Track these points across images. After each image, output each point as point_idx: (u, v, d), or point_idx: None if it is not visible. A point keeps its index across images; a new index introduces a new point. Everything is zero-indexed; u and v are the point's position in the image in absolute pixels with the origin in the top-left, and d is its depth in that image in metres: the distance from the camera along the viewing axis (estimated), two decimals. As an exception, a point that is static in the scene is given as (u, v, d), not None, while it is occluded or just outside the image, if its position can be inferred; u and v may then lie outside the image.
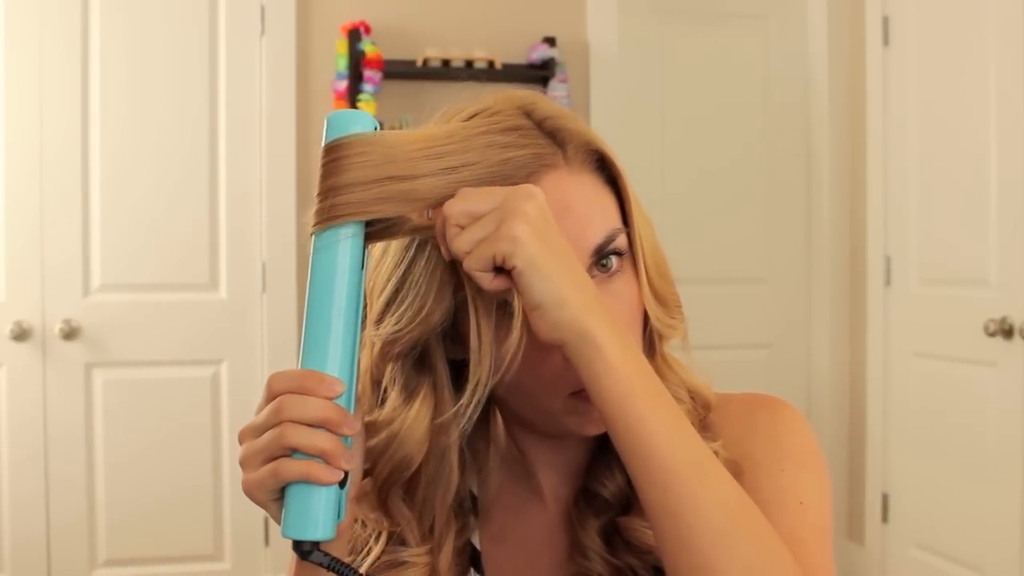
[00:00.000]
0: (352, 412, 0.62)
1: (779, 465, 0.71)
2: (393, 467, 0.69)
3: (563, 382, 0.67)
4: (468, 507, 0.77)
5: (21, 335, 2.71)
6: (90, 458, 2.78)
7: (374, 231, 0.62)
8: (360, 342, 0.63)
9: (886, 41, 3.01)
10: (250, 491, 0.61)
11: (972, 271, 2.64)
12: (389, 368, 0.69)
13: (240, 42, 2.88)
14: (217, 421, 2.87)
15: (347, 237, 0.61)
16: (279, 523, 0.60)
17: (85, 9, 2.77)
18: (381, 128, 0.63)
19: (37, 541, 2.74)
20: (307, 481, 0.58)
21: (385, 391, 0.70)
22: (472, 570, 0.78)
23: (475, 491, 0.79)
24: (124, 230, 2.80)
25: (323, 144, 0.62)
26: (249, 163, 2.88)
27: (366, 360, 0.71)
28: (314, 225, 0.61)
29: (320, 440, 0.58)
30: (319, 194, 0.61)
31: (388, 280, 0.68)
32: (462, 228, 0.60)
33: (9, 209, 2.74)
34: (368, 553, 0.75)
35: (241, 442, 0.62)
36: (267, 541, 2.90)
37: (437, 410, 0.69)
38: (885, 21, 3.01)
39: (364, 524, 0.76)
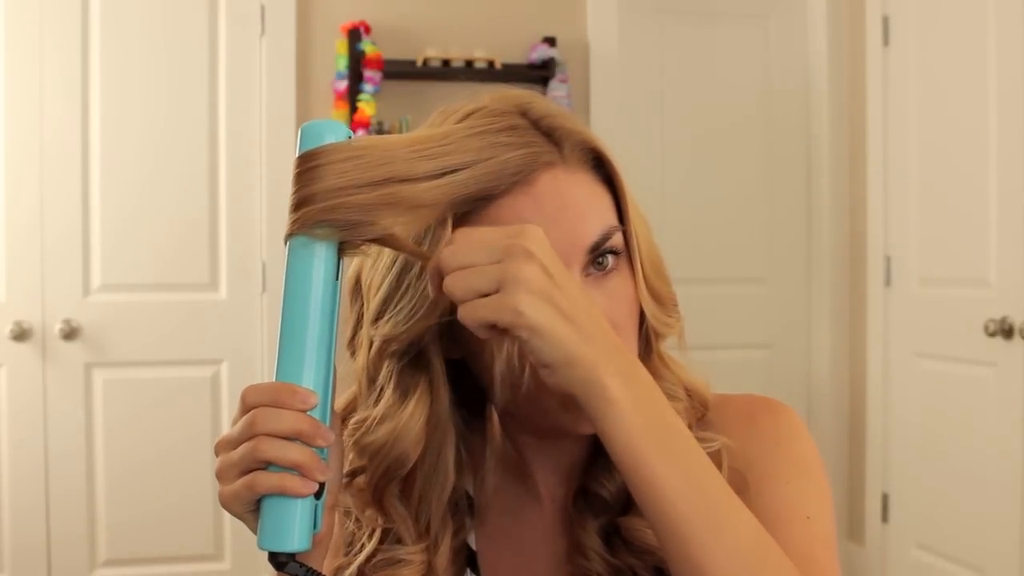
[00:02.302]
0: (328, 423, 0.62)
1: (784, 477, 0.71)
2: (388, 465, 0.69)
3: None
4: (464, 508, 0.77)
5: (21, 335, 2.71)
6: (90, 458, 2.78)
7: (349, 241, 0.61)
8: (335, 352, 0.63)
9: (886, 41, 3.01)
10: (226, 503, 0.61)
11: (972, 271, 2.63)
12: (385, 366, 0.69)
13: (240, 42, 2.88)
14: (217, 421, 2.87)
15: (323, 246, 0.61)
16: (256, 534, 0.61)
17: (85, 10, 2.77)
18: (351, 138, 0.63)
19: (37, 541, 2.74)
20: (282, 493, 0.59)
21: (381, 388, 0.70)
22: (468, 571, 0.78)
23: (471, 492, 0.79)
24: (124, 230, 2.80)
25: (300, 153, 0.61)
26: (249, 163, 2.88)
27: (362, 358, 0.71)
28: (298, 232, 0.60)
29: (294, 453, 0.58)
30: (303, 199, 0.60)
31: (384, 278, 0.69)
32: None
33: (9, 209, 2.74)
34: (362, 550, 0.75)
35: (217, 454, 0.62)
36: (267, 541, 2.90)
37: (433, 408, 0.69)
38: (885, 21, 3.01)
39: (358, 521, 0.76)
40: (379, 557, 0.74)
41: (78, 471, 2.77)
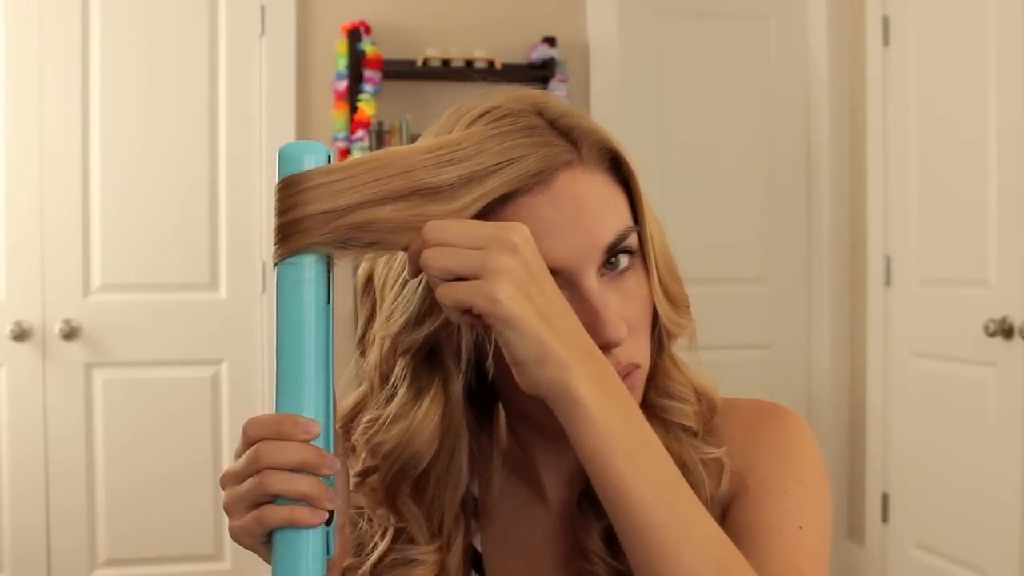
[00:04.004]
0: (331, 450, 0.62)
1: (783, 484, 0.71)
2: (402, 465, 0.69)
3: None
4: (470, 509, 0.77)
5: (21, 335, 2.71)
6: (90, 458, 2.78)
7: (338, 258, 0.61)
8: (333, 376, 0.62)
9: (886, 41, 3.01)
10: (237, 537, 0.61)
11: (972, 271, 2.63)
12: (399, 364, 0.69)
13: (240, 42, 2.88)
14: (217, 421, 2.87)
15: (315, 270, 0.60)
16: (270, 564, 0.61)
17: (85, 10, 2.77)
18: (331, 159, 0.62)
19: (37, 541, 2.74)
20: (293, 526, 0.59)
21: (394, 386, 0.70)
22: (473, 572, 0.78)
23: (476, 493, 0.79)
24: (124, 230, 2.80)
25: (281, 178, 0.60)
26: (249, 163, 2.88)
27: (374, 356, 0.71)
28: (314, 249, 0.59)
29: (301, 484, 0.58)
30: (305, 217, 0.59)
31: (400, 275, 0.68)
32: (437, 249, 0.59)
33: (9, 209, 2.73)
34: (374, 549, 0.75)
35: (223, 487, 0.62)
36: (267, 541, 2.90)
37: (447, 408, 0.69)
38: (885, 21, 3.01)
39: (370, 520, 0.76)
40: (392, 557, 0.74)
41: (78, 471, 2.77)
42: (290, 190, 0.59)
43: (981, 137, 2.59)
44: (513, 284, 0.56)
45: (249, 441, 0.60)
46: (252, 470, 0.59)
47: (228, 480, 0.61)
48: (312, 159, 0.60)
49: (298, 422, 0.59)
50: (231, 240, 2.87)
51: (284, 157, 0.61)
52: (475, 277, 0.57)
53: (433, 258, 0.58)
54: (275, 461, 0.58)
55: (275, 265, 0.60)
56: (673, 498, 0.59)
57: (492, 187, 0.62)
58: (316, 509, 0.59)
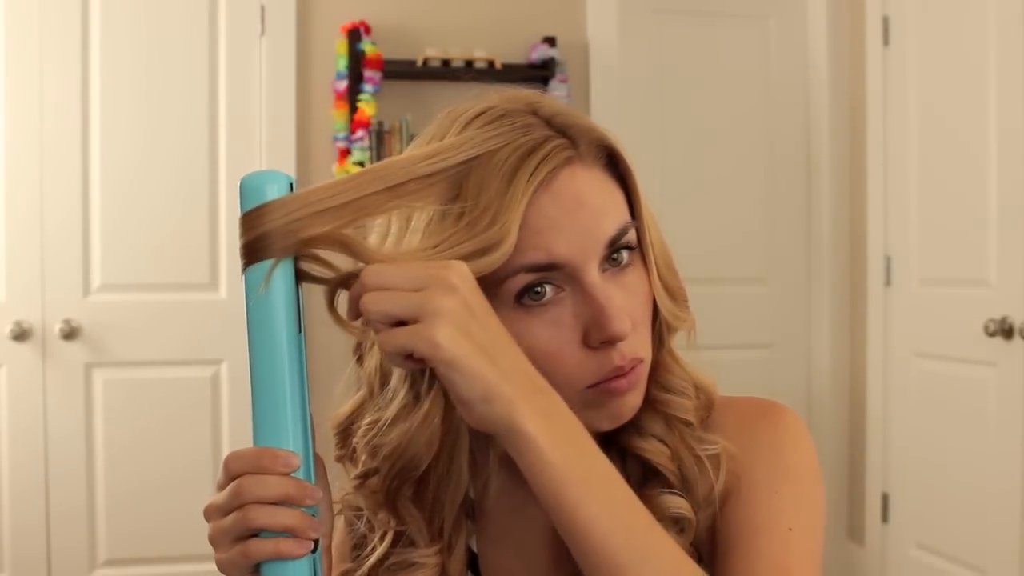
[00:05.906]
0: (312, 479, 0.62)
1: (774, 485, 0.71)
2: (402, 468, 0.69)
3: (579, 376, 0.67)
4: (467, 510, 0.77)
5: (21, 335, 2.71)
6: (90, 458, 2.78)
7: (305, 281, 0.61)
8: (309, 404, 0.62)
9: (886, 41, 3.01)
10: (224, 569, 0.61)
11: (972, 271, 2.63)
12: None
13: (240, 42, 2.88)
14: (217, 421, 2.87)
15: (283, 298, 0.60)
16: None
17: (85, 10, 2.77)
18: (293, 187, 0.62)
19: (37, 541, 2.74)
20: (278, 558, 0.59)
21: (394, 389, 0.70)
22: (469, 573, 0.78)
23: (472, 495, 0.78)
24: (124, 230, 2.80)
25: (243, 211, 0.59)
26: (249, 163, 2.88)
27: (373, 360, 0.71)
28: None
29: (284, 517, 0.59)
30: (270, 246, 0.58)
31: None
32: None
33: (9, 209, 2.74)
34: (372, 553, 0.75)
35: (207, 520, 0.62)
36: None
37: (448, 410, 0.68)
38: (885, 21, 3.01)
39: (370, 523, 0.76)
40: (392, 560, 0.74)
41: (78, 471, 2.77)
42: (253, 222, 0.59)
43: (981, 137, 2.59)
44: (453, 325, 0.56)
45: (231, 475, 0.60)
46: (235, 504, 0.60)
47: (212, 513, 0.61)
48: (274, 189, 0.60)
49: (277, 456, 0.59)
50: (231, 240, 2.86)
51: (245, 188, 0.60)
52: (415, 320, 0.57)
53: (372, 303, 0.58)
54: (257, 495, 0.59)
55: (246, 299, 0.60)
56: (630, 521, 0.59)
57: (511, 198, 0.63)
58: (301, 540, 0.59)
